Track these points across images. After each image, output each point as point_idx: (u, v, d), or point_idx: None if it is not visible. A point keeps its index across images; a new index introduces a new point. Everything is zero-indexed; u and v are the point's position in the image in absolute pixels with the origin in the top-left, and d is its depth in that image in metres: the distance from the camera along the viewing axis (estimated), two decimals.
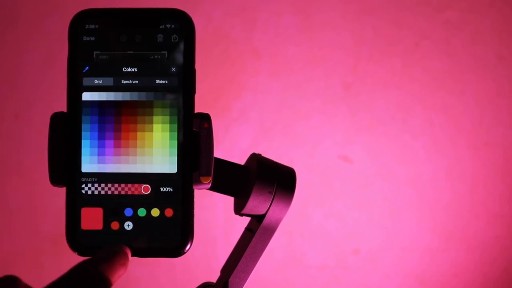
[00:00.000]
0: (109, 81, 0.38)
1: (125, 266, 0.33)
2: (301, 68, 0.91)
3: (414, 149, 0.91)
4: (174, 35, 0.38)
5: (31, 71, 0.89)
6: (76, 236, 0.37)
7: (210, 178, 0.37)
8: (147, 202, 0.38)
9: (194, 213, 0.38)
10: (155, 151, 0.38)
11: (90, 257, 0.32)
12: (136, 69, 0.38)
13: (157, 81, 0.38)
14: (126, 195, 0.38)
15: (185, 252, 0.37)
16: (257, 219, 0.45)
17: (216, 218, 0.89)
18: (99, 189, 0.38)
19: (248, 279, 0.45)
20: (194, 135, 0.38)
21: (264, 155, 0.46)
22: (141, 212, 0.38)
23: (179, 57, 0.38)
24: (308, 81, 0.91)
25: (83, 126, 0.38)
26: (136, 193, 0.38)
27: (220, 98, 0.90)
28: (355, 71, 0.91)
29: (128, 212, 0.38)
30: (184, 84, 0.38)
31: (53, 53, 0.88)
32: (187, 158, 0.38)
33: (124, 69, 0.38)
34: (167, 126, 0.38)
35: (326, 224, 0.91)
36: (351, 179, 0.91)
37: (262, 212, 0.44)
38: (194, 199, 0.38)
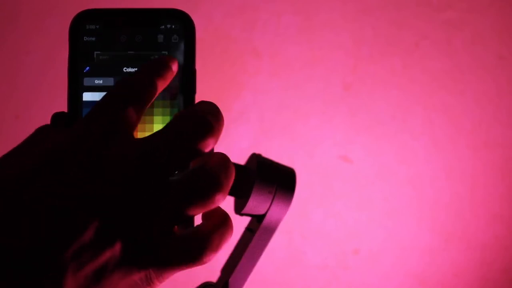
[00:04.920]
0: (110, 81, 0.38)
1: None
2: (301, 68, 0.91)
3: (414, 149, 0.91)
4: (175, 35, 0.38)
5: (31, 71, 0.89)
6: None
7: None
8: None
9: None
10: None
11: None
12: (136, 69, 0.38)
13: None
14: None
15: None
16: (257, 219, 0.45)
17: None
18: None
19: (248, 279, 0.45)
20: None
21: (264, 155, 0.46)
22: None
23: (180, 57, 0.38)
24: (308, 81, 0.91)
25: None
26: None
27: (220, 98, 0.90)
28: (355, 71, 0.91)
29: None
30: (184, 84, 0.38)
31: (53, 53, 0.88)
32: None
33: (125, 69, 0.38)
34: None
35: (326, 224, 0.91)
36: (351, 179, 0.91)
37: (262, 212, 0.44)
38: None
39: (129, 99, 0.31)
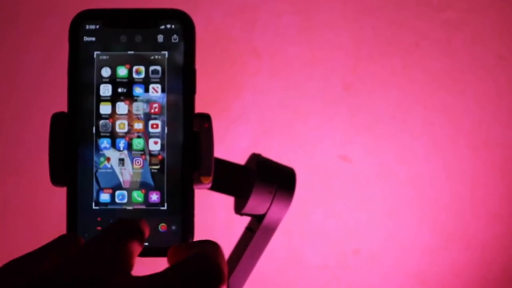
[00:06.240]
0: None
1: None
2: (301, 68, 0.91)
3: (414, 149, 0.91)
4: (174, 35, 0.38)
5: (31, 71, 0.89)
6: None
7: (211, 178, 0.37)
8: None
9: (194, 213, 0.38)
10: None
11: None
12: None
13: None
14: None
15: None
16: (257, 219, 0.45)
17: (216, 218, 0.89)
18: None
19: (248, 278, 0.45)
20: (194, 135, 0.38)
21: (264, 155, 0.46)
22: None
23: (179, 58, 0.38)
24: (308, 81, 0.91)
25: None
26: None
27: (220, 98, 0.90)
28: (355, 71, 0.91)
29: None
30: (184, 84, 0.38)
31: (53, 53, 0.88)
32: (187, 158, 0.38)
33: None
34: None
35: (326, 224, 0.91)
36: (351, 179, 0.91)
37: (262, 212, 0.44)
38: (194, 199, 0.38)
39: (130, 238, 0.30)
